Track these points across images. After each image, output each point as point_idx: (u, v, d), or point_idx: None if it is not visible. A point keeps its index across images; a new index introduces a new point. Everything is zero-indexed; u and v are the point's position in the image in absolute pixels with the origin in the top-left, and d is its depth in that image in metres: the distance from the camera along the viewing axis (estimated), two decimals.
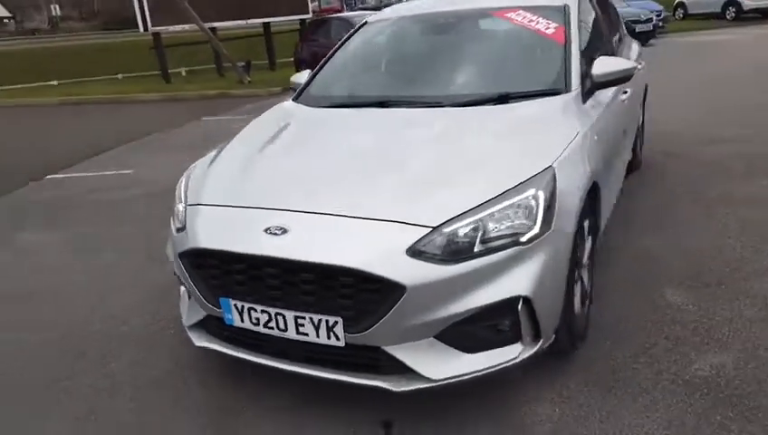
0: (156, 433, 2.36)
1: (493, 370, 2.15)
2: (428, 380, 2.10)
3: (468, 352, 2.14)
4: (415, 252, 2.02)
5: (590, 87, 2.97)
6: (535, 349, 2.21)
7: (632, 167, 4.81)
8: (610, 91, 3.28)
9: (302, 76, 3.68)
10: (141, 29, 14.75)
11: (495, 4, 3.49)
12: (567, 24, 3.18)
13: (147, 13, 14.78)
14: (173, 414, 2.45)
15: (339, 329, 2.09)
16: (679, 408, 2.25)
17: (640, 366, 2.51)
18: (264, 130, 3.09)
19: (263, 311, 2.20)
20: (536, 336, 2.21)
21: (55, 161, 7.20)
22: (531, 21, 3.25)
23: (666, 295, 3.04)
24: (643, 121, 5.20)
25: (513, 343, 2.17)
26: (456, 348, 2.13)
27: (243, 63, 13.78)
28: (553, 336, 2.35)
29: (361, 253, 2.04)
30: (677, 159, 5.29)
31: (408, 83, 3.27)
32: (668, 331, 2.74)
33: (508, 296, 2.08)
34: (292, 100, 3.43)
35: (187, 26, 15.03)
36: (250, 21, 17.03)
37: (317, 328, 2.13)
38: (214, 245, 2.27)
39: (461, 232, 2.06)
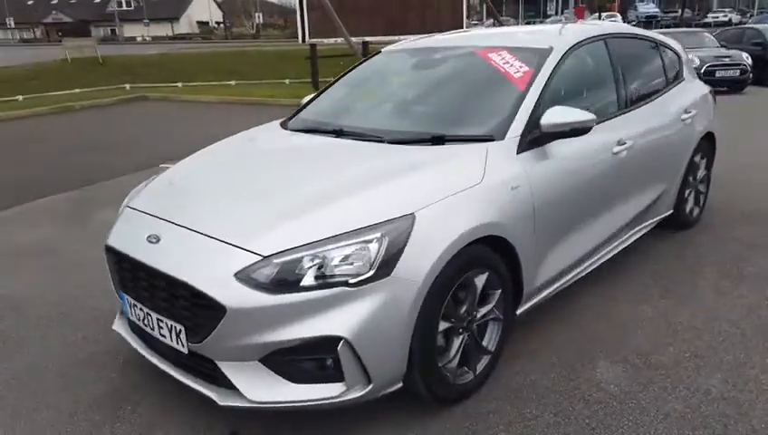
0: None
1: (312, 404, 2.21)
2: (248, 400, 2.21)
3: (292, 381, 2.22)
4: (243, 277, 2.16)
5: (538, 137, 2.83)
6: (363, 392, 2.22)
7: (676, 225, 4.37)
8: (587, 142, 3.08)
9: (307, 99, 3.93)
10: (300, 40, 16.13)
11: (486, 43, 3.44)
12: (538, 68, 3.06)
13: (306, 26, 16.19)
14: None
15: (183, 336, 2.30)
16: None
17: None
18: (225, 145, 3.40)
19: (140, 309, 2.48)
20: (368, 380, 2.22)
21: (174, 152, 8.21)
22: (506, 63, 3.17)
23: (597, 369, 2.79)
24: (707, 176, 4.66)
25: (335, 381, 2.20)
26: (279, 375, 2.22)
27: None
28: (400, 384, 2.34)
29: (197, 270, 2.23)
30: (746, 221, 4.64)
31: (368, 115, 3.36)
32: (565, 406, 2.54)
33: (327, 335, 2.13)
34: (280, 122, 3.67)
35: (339, 39, 16.10)
36: (401, 37, 17.82)
37: (170, 332, 2.36)
38: (115, 244, 2.61)
39: (292, 264, 2.15)
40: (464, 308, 2.52)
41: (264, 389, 2.22)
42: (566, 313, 3.30)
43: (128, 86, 17.24)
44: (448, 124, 2.99)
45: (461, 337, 2.53)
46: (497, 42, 3.43)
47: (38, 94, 15.45)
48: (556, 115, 2.82)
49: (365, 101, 3.57)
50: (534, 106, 2.89)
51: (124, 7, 66.37)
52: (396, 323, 2.22)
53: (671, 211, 4.23)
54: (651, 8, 44.81)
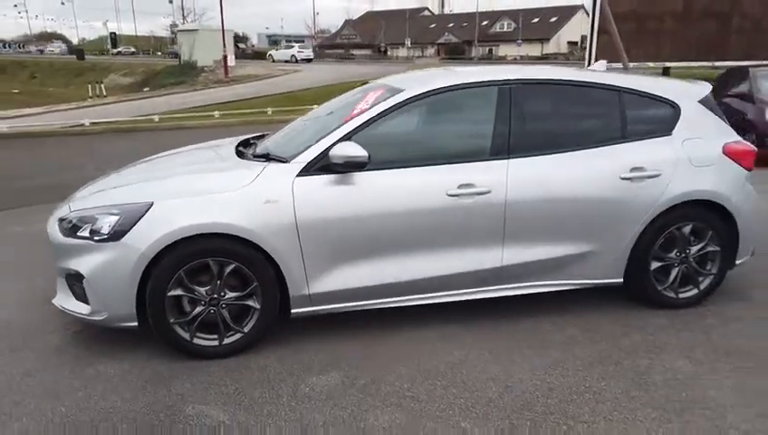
0: None
1: (79, 316, 3.29)
2: (59, 303, 3.41)
3: (74, 297, 3.33)
4: (59, 222, 3.36)
5: (326, 166, 3.24)
6: (102, 318, 3.21)
7: (644, 300, 3.82)
8: (405, 180, 3.34)
9: None
10: (586, 64, 15.90)
11: (391, 83, 3.79)
12: (370, 107, 3.40)
13: (594, 50, 15.95)
14: None
15: None
16: None
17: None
18: (199, 145, 4.56)
19: None
20: (105, 310, 3.19)
21: None
22: (366, 100, 3.56)
23: (316, 376, 3.09)
24: (718, 254, 3.77)
25: (87, 304, 3.24)
26: (70, 291, 3.36)
27: None
28: (136, 323, 3.21)
29: (55, 213, 3.53)
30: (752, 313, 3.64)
31: (286, 136, 4.05)
32: (244, 386, 3.00)
33: (78, 270, 3.19)
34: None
35: (631, 64, 15.32)
36: (717, 63, 15.96)
37: None
38: None
39: (80, 220, 3.25)
40: (207, 286, 3.21)
41: (64, 298, 3.40)
42: (378, 332, 3.55)
43: None
44: (287, 148, 3.56)
45: (204, 308, 3.23)
46: (394, 83, 3.76)
47: None
48: (340, 149, 3.20)
49: (302, 124, 4.24)
50: (339, 139, 3.28)
51: (505, 29, 72.00)
52: (121, 274, 3.12)
53: (618, 280, 3.72)
54: None
